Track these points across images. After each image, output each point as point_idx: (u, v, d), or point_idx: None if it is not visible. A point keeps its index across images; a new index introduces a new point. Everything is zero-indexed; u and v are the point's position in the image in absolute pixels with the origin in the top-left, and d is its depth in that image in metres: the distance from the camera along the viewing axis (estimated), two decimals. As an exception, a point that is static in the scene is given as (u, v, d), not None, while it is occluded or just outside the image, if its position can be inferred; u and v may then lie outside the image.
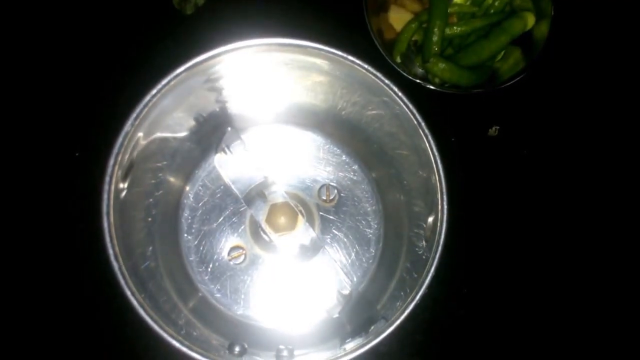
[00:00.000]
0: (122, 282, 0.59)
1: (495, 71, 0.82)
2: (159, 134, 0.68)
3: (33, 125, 0.80)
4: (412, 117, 0.63)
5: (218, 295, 0.74)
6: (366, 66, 0.62)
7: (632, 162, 0.86)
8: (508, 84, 0.76)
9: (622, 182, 0.85)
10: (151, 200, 0.70)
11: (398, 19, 0.83)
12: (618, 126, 0.86)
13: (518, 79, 0.76)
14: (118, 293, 0.59)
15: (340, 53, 0.62)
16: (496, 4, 0.82)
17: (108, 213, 0.60)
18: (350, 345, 0.63)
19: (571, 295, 0.82)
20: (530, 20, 0.80)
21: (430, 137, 0.63)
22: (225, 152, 0.70)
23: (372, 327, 0.65)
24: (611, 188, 0.85)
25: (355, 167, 0.78)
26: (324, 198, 0.77)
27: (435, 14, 0.78)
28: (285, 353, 0.66)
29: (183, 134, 0.72)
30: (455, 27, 0.80)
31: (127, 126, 0.61)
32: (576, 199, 0.84)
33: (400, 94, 0.63)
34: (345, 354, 0.60)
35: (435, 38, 0.79)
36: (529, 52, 0.79)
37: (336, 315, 0.71)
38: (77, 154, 0.80)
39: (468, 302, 0.81)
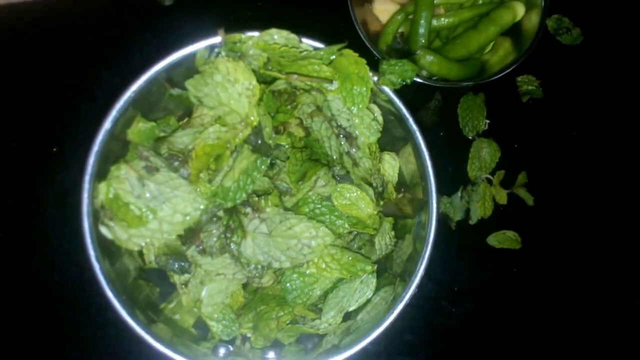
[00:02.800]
0: (103, 282, 0.57)
1: (485, 63, 0.80)
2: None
3: (9, 121, 0.79)
4: (401, 111, 0.62)
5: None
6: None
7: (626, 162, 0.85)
8: (498, 76, 0.75)
9: (620, 181, 0.85)
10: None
11: (383, 10, 0.81)
12: (617, 121, 0.86)
13: (508, 70, 0.75)
14: (99, 293, 0.58)
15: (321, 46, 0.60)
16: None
17: (89, 213, 0.58)
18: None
19: (564, 292, 0.82)
20: (520, 10, 0.78)
21: (418, 133, 0.61)
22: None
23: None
24: (608, 187, 0.85)
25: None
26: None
27: (422, 5, 0.76)
28: (272, 355, 0.64)
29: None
30: (442, 19, 0.79)
31: (107, 123, 0.59)
32: (568, 196, 0.83)
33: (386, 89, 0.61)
34: (335, 356, 0.59)
35: (422, 30, 0.77)
36: (519, 43, 0.78)
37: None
38: (54, 149, 0.78)
39: (459, 300, 0.80)
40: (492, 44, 0.81)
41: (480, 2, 0.80)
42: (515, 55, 0.76)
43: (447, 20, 0.79)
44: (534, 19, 0.76)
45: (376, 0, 0.81)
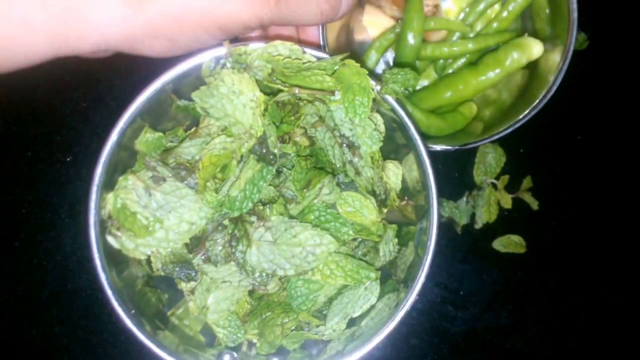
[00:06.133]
0: (109, 293, 0.59)
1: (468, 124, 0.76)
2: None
3: (24, 131, 0.80)
4: (403, 119, 0.62)
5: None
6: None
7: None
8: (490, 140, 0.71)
9: (625, 186, 0.85)
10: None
11: (373, 22, 0.75)
12: (622, 125, 0.86)
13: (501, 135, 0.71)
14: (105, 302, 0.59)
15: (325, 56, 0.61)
16: (501, 20, 0.72)
17: (95, 223, 0.59)
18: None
19: (569, 296, 0.82)
20: (536, 49, 0.68)
21: (419, 142, 0.62)
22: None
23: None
24: (613, 191, 0.85)
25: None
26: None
27: (411, 12, 0.67)
28: (275, 360, 0.65)
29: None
30: (443, 47, 0.71)
31: (115, 134, 0.60)
32: (573, 200, 0.84)
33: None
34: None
35: (412, 41, 0.68)
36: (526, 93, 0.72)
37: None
38: (68, 159, 0.79)
39: (464, 304, 0.80)
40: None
41: (492, 31, 0.72)
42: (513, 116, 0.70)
43: (447, 49, 0.71)
44: (551, 61, 0.66)
45: (365, 10, 0.75)
